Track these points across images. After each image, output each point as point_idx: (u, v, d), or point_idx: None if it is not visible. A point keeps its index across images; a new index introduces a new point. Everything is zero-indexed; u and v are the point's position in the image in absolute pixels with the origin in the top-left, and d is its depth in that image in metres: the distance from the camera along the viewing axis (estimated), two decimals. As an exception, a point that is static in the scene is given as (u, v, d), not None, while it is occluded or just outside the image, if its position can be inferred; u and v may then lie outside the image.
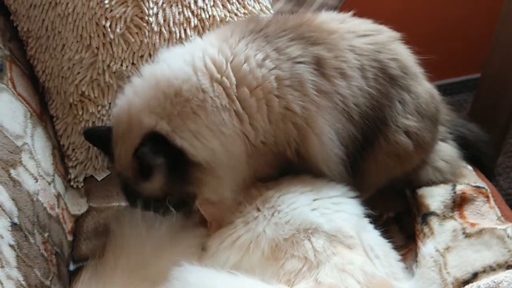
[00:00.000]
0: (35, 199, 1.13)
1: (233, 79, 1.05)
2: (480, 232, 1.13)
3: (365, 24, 1.19)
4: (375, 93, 1.11)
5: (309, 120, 1.06)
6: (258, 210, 1.06)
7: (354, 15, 1.22)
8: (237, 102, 1.05)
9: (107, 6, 1.30)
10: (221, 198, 1.08)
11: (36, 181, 1.16)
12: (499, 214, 1.19)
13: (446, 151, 1.31)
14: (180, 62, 1.08)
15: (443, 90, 1.33)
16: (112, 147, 1.12)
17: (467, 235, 1.14)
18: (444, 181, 1.27)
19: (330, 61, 1.09)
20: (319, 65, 1.08)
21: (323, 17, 1.18)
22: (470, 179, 1.28)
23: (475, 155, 1.38)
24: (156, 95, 1.06)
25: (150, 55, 1.35)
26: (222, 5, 1.41)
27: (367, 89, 1.10)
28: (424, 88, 1.19)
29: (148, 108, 1.05)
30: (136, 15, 1.32)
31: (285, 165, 1.12)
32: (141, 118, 1.05)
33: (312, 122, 1.07)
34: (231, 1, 1.42)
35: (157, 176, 1.07)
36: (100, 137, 1.16)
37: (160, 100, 1.05)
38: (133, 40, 1.33)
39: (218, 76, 1.06)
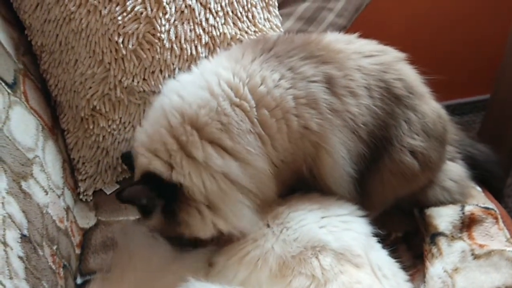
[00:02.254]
0: (44, 211, 1.14)
1: (252, 102, 1.05)
2: (489, 253, 1.13)
3: (370, 45, 1.20)
4: (381, 113, 1.12)
5: (323, 138, 1.07)
6: (268, 226, 1.05)
7: (364, 35, 1.23)
8: (258, 125, 1.05)
9: (120, 22, 1.32)
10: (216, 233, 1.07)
11: (46, 194, 1.17)
12: (508, 236, 1.19)
13: (454, 170, 1.31)
14: (194, 89, 1.08)
15: (452, 110, 1.33)
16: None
17: (476, 256, 1.13)
18: (453, 201, 1.26)
19: (340, 80, 1.09)
20: (330, 84, 1.09)
21: (330, 37, 1.19)
22: (479, 200, 1.28)
23: (484, 175, 1.37)
24: (158, 129, 1.06)
25: (161, 71, 1.36)
26: (233, 23, 1.42)
27: (374, 108, 1.11)
28: (430, 107, 1.19)
29: (145, 146, 1.07)
30: (148, 32, 1.34)
31: (297, 182, 1.12)
32: (138, 156, 1.07)
33: (326, 140, 1.07)
34: (242, 19, 1.44)
35: (155, 216, 1.08)
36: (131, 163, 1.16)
37: (161, 134, 1.05)
38: (144, 56, 1.34)
39: (237, 100, 1.05)
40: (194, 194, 1.04)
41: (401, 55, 1.21)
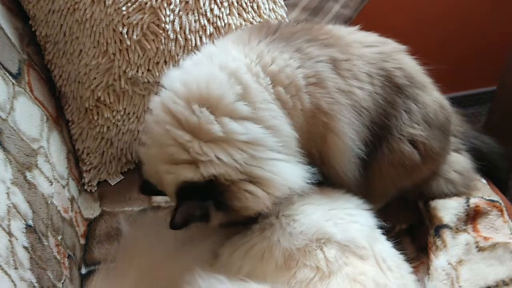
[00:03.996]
0: (49, 202, 1.14)
1: (267, 79, 1.04)
2: (494, 246, 1.13)
3: (371, 36, 1.20)
4: (382, 101, 1.12)
5: (332, 118, 1.07)
6: (277, 217, 1.05)
7: (369, 26, 1.23)
8: (277, 100, 1.04)
9: (124, 12, 1.31)
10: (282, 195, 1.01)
11: (51, 184, 1.18)
12: (513, 228, 1.18)
13: (459, 162, 1.30)
14: (200, 69, 1.05)
15: (458, 102, 1.33)
16: None
17: (480, 249, 1.13)
18: (457, 193, 1.25)
19: (343, 63, 1.10)
20: (334, 65, 1.09)
21: (331, 26, 1.20)
22: (484, 192, 1.27)
23: (489, 167, 1.36)
24: (163, 130, 0.99)
25: (165, 62, 1.36)
26: (238, 14, 1.42)
27: (375, 95, 1.11)
28: (432, 98, 1.19)
29: (161, 159, 1.00)
30: (153, 22, 1.33)
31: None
32: (164, 175, 1.00)
33: (334, 120, 1.07)
34: (247, 10, 1.43)
35: (215, 217, 1.03)
36: (155, 189, 1.10)
37: (168, 132, 0.99)
38: (149, 46, 1.34)
39: (254, 78, 1.04)
40: (231, 176, 0.98)
41: (401, 46, 1.21)
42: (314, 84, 1.06)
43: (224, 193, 0.99)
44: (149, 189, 1.11)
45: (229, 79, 1.01)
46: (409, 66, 1.18)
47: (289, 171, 1.02)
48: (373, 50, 1.15)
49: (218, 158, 0.97)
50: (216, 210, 1.02)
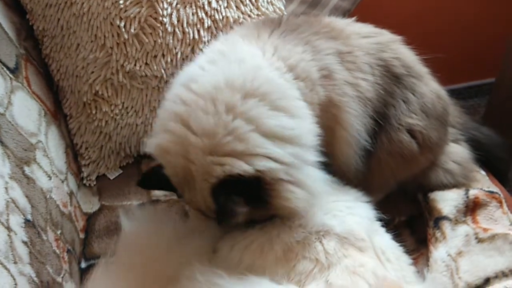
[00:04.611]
0: (48, 196, 1.14)
1: (291, 74, 1.03)
2: (493, 237, 1.13)
3: (367, 27, 1.21)
4: (382, 91, 1.13)
5: (341, 111, 1.07)
6: None
7: (366, 18, 1.24)
8: (302, 95, 1.03)
9: (121, 6, 1.31)
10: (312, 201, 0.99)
11: (50, 179, 1.18)
12: (513, 220, 1.18)
13: (457, 152, 1.30)
14: (231, 66, 1.00)
15: (457, 94, 1.33)
16: (175, 187, 1.03)
17: (480, 240, 1.13)
18: (456, 184, 1.26)
19: (347, 55, 1.10)
20: (340, 58, 1.10)
21: (328, 19, 1.21)
22: (483, 184, 1.27)
23: (489, 159, 1.36)
24: (218, 117, 0.93)
25: (163, 55, 1.35)
26: (236, 7, 1.41)
27: (376, 86, 1.12)
28: (430, 88, 1.19)
29: (211, 149, 0.93)
30: (150, 16, 1.33)
31: None
32: (209, 168, 0.93)
33: (343, 113, 1.07)
34: (245, 3, 1.42)
35: (240, 215, 0.98)
36: (157, 182, 1.06)
37: (224, 122, 0.93)
38: (147, 40, 1.33)
39: (278, 73, 1.02)
40: (278, 174, 0.94)
41: (397, 37, 1.21)
42: (326, 76, 1.06)
43: (268, 191, 0.95)
44: (149, 182, 1.09)
45: (266, 76, 0.99)
46: (406, 56, 1.19)
47: (318, 175, 1.00)
48: (370, 40, 1.16)
49: (271, 152, 0.94)
50: (246, 206, 0.97)
